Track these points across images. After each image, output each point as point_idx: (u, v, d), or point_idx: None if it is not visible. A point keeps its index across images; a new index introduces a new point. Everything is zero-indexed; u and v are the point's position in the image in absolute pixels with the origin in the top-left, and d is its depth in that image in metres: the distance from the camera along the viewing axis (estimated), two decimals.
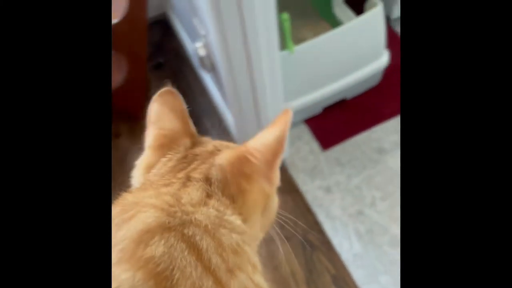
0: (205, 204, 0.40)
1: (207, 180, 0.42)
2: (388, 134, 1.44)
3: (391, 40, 1.50)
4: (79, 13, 0.35)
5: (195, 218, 0.38)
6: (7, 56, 0.33)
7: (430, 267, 0.34)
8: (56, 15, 0.34)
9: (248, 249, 0.40)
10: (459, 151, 0.35)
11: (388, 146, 1.41)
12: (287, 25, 1.15)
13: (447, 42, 0.36)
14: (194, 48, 1.30)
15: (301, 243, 1.24)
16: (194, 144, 0.47)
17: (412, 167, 0.36)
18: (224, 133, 1.48)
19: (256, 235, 0.45)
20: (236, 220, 0.41)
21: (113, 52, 1.25)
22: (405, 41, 0.37)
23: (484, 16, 0.35)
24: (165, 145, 0.47)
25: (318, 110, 1.48)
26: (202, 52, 1.25)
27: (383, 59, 1.44)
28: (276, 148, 0.44)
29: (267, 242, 0.49)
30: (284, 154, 0.69)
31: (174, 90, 0.50)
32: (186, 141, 0.47)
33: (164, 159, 0.45)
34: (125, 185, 0.45)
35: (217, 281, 0.35)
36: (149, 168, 0.45)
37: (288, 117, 0.45)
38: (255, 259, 0.41)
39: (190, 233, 0.36)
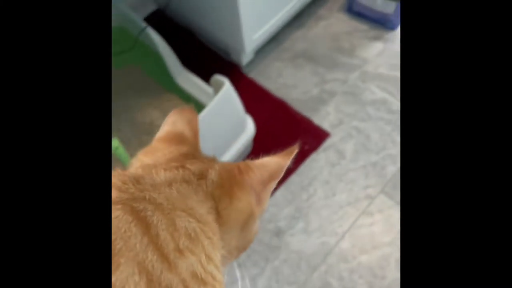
0: (169, 185, 0.39)
1: (201, 175, 0.43)
2: (280, 208, 1.25)
3: (247, 88, 1.31)
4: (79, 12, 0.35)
5: (150, 195, 0.37)
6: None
7: (430, 267, 0.34)
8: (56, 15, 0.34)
9: (207, 244, 0.38)
10: (459, 155, 0.35)
11: (284, 224, 1.23)
12: (120, 151, 0.89)
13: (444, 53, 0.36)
14: None
15: None
16: (199, 155, 0.49)
17: (411, 168, 0.36)
18: None
19: (228, 248, 0.43)
20: (201, 209, 0.40)
21: None
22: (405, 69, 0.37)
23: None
24: (174, 140, 0.48)
25: None
26: None
27: (249, 127, 1.24)
28: (275, 170, 0.47)
29: None
30: None
31: (194, 110, 0.54)
32: (193, 149, 0.49)
33: (167, 150, 0.46)
34: None
35: (164, 257, 0.34)
36: (149, 154, 0.45)
37: (294, 151, 0.48)
38: (215, 257, 0.39)
39: (141, 207, 0.36)
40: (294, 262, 1.17)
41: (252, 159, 0.49)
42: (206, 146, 1.19)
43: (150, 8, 1.65)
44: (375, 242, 1.18)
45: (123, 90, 1.37)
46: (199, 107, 1.31)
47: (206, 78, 1.45)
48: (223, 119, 1.15)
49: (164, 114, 1.10)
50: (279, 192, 1.28)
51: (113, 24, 1.40)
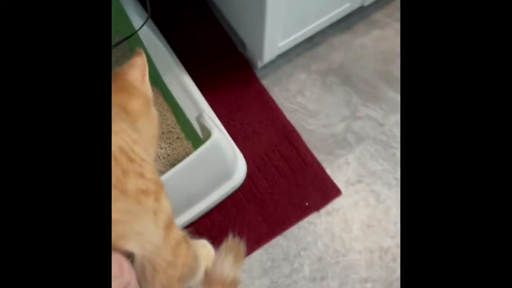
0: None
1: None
2: (252, 278, 0.98)
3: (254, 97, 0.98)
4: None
5: None
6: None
7: (430, 267, 0.35)
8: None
9: (126, 127, 0.50)
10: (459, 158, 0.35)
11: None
12: None
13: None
14: None
15: None
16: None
17: (411, 169, 0.36)
18: None
19: (146, 136, 0.56)
20: (115, 108, 0.52)
21: None
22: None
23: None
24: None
25: None
26: None
27: (237, 176, 0.93)
28: (143, 67, 0.64)
29: None
30: None
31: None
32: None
33: None
34: None
35: None
36: None
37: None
38: (139, 140, 0.50)
39: None
40: None
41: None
42: (183, 192, 0.90)
43: None
44: None
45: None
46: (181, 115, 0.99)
47: (213, 69, 1.12)
48: (203, 171, 0.84)
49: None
50: (256, 254, 1.00)
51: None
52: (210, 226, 1.02)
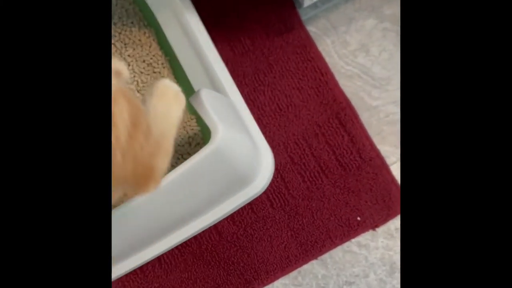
0: None
1: None
2: None
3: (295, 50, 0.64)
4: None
5: None
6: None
7: (430, 267, 0.34)
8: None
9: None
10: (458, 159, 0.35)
11: None
12: None
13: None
14: None
15: None
16: None
17: (411, 168, 0.36)
18: None
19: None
20: None
21: None
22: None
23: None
24: None
25: None
26: None
27: (259, 181, 0.61)
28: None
29: None
30: None
31: None
32: None
33: None
34: None
35: None
36: None
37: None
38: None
39: None
40: None
41: None
42: (179, 205, 0.60)
43: None
44: None
45: None
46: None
47: (233, 3, 0.78)
48: (205, 180, 0.53)
49: None
50: (279, 284, 0.71)
51: None
52: (217, 240, 0.72)
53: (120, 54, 0.72)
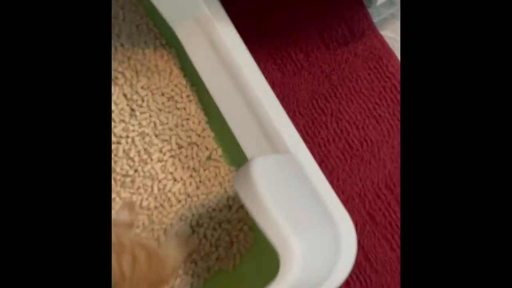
0: None
1: None
2: None
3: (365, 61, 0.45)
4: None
5: None
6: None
7: (430, 267, 0.33)
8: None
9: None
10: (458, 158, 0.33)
11: None
12: None
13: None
14: None
15: None
16: None
17: (411, 167, 0.34)
18: None
19: None
20: None
21: None
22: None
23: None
24: None
25: None
26: None
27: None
28: None
29: None
30: None
31: None
32: None
33: None
34: None
35: None
36: None
37: None
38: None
39: None
40: None
41: None
42: None
43: None
44: None
45: None
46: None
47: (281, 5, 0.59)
48: None
49: None
50: None
51: None
52: None
53: (131, 86, 0.52)
